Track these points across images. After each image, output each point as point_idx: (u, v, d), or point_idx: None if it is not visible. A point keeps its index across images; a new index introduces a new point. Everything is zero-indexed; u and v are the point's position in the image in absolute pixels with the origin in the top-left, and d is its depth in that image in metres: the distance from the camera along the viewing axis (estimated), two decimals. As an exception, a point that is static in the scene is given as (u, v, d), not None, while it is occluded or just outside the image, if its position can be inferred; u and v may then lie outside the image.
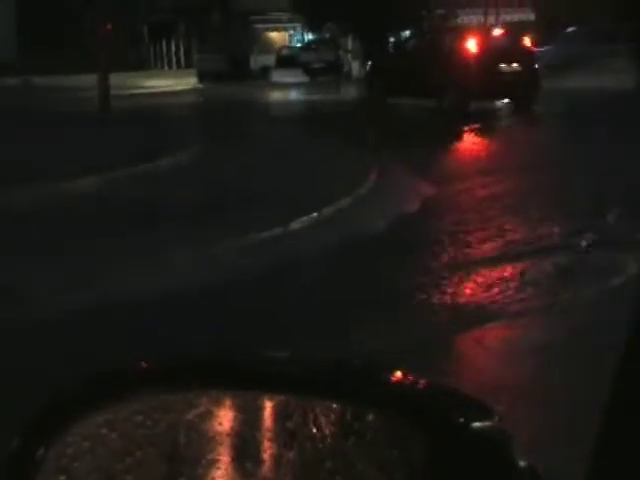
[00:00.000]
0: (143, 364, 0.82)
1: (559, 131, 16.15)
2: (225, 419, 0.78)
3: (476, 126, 16.64)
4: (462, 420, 0.73)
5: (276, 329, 5.15)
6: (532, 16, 36.30)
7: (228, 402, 0.78)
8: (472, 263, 6.86)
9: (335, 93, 29.16)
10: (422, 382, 0.76)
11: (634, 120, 14.21)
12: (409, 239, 7.87)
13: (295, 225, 8.00)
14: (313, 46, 42.22)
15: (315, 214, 8.33)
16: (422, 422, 0.73)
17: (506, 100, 19.87)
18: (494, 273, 6.48)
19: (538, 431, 3.48)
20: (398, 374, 0.77)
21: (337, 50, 41.43)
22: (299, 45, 44.68)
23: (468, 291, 6.15)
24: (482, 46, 19.44)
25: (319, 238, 7.71)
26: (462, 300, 5.94)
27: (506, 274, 6.45)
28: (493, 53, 19.30)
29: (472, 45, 19.51)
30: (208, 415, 0.78)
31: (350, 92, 28.03)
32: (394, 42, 22.40)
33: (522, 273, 6.42)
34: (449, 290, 6.13)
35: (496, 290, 6.03)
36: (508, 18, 27.06)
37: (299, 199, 8.88)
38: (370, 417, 0.73)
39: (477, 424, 0.73)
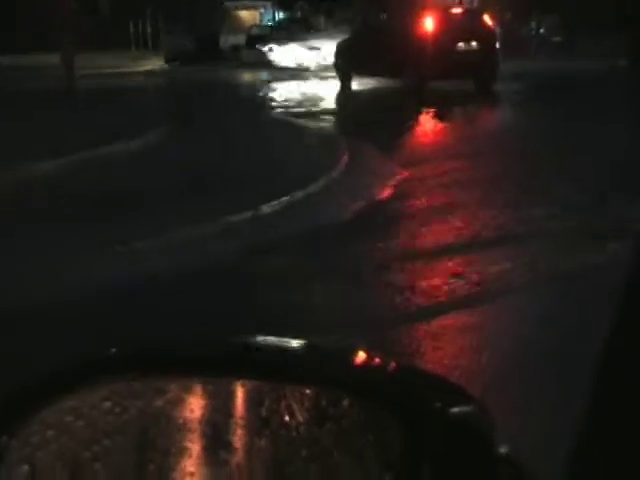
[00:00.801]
0: (112, 351, 0.81)
1: (520, 112, 16.33)
2: (196, 406, 0.77)
3: (434, 107, 16.68)
4: (439, 405, 0.72)
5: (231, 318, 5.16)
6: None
7: (199, 389, 0.78)
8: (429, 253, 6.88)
9: (307, 74, 29.08)
10: (397, 365, 0.75)
11: (598, 100, 14.42)
12: (374, 223, 7.90)
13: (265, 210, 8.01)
14: (284, 25, 42.10)
15: (283, 199, 8.33)
16: (398, 407, 0.72)
17: (466, 79, 19.86)
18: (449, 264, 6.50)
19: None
20: (372, 358, 0.77)
21: (309, 29, 41.32)
22: (270, 24, 44.50)
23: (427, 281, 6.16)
24: (439, 24, 19.30)
25: (286, 224, 7.71)
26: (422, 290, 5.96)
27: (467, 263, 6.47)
28: (451, 31, 19.17)
29: (429, 23, 19.36)
30: (178, 402, 0.77)
31: (321, 73, 27.98)
32: (359, 21, 22.42)
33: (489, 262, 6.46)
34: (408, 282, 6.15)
35: (456, 279, 6.06)
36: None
37: (262, 183, 8.93)
38: (345, 403, 0.73)
39: (455, 409, 0.72)
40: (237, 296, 5.76)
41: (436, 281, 6.06)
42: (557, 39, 36.69)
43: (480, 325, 5.26)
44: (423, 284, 6.02)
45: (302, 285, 5.99)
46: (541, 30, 38.33)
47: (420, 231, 7.50)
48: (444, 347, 4.82)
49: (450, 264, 6.45)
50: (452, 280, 6.02)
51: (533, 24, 38.72)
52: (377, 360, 0.76)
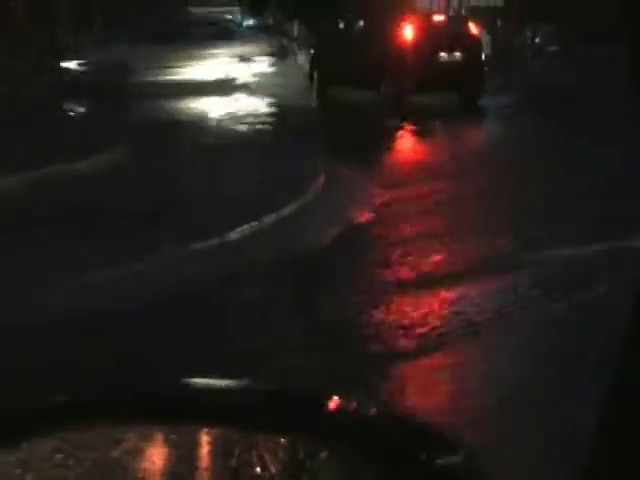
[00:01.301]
0: (62, 397, 0.81)
1: (508, 129, 16.46)
2: (157, 456, 0.77)
3: (414, 123, 16.77)
4: (424, 457, 0.72)
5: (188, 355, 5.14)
6: (500, 2, 36.75)
7: (160, 437, 0.77)
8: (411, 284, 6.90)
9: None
10: (378, 413, 0.75)
11: (596, 117, 14.56)
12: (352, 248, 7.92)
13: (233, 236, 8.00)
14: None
15: (252, 224, 8.33)
16: (382, 459, 0.72)
17: (450, 92, 19.89)
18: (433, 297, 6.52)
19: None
20: (351, 405, 0.76)
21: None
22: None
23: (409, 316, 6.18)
24: (419, 32, 19.23)
25: (256, 250, 7.71)
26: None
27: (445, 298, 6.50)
28: (432, 40, 19.08)
29: (408, 31, 19.27)
30: (137, 452, 0.77)
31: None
32: (338, 29, 22.36)
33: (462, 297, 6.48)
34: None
35: (435, 316, 6.08)
36: (474, 3, 27.22)
37: (230, 206, 8.93)
38: (324, 455, 0.72)
39: (442, 461, 0.72)
40: (195, 331, 5.74)
41: (418, 315, 6.08)
42: (554, 49, 36.99)
43: (464, 363, 5.27)
44: (404, 319, 6.02)
45: (271, 321, 5.98)
46: (537, 39, 38.65)
47: (402, 260, 7.52)
48: (427, 387, 4.83)
49: (433, 297, 6.47)
50: (435, 315, 6.04)
51: (528, 33, 39.04)
52: (356, 408, 0.76)
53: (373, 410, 0.78)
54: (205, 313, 6.19)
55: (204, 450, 0.76)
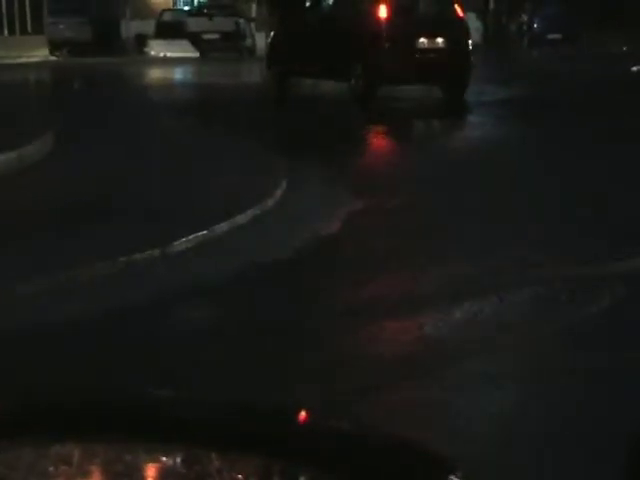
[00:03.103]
0: None
1: (495, 129, 16.54)
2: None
3: (387, 120, 16.75)
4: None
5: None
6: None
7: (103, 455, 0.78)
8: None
9: (232, 74, 29.22)
10: (367, 432, 0.78)
11: (602, 116, 14.73)
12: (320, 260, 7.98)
13: (175, 247, 8.03)
14: (206, 11, 42.25)
15: (203, 232, 8.37)
16: None
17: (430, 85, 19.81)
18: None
19: None
20: (331, 423, 0.78)
21: (237, 17, 41.50)
22: (187, 9, 44.67)
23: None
24: (395, 15, 18.87)
25: (208, 265, 7.74)
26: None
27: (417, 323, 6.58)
28: (410, 24, 18.84)
29: (382, 13, 18.84)
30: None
31: (252, 73, 28.14)
32: (302, 9, 21.81)
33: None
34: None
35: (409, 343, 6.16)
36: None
37: (180, 214, 8.95)
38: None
39: None
40: (132, 358, 5.77)
41: (387, 344, 6.14)
42: (554, 36, 37.12)
43: (436, 399, 5.34)
44: (371, 348, 6.08)
45: (222, 348, 6.02)
46: (535, 25, 38.71)
47: (374, 280, 7.58)
48: (398, 422, 4.89)
49: (406, 323, 6.54)
50: (408, 343, 6.11)
51: (524, 17, 39.08)
52: (337, 425, 0.78)
53: (356, 429, 0.80)
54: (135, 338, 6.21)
55: (163, 468, 0.77)
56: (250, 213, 9.22)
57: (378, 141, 15.78)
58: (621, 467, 1.20)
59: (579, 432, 4.66)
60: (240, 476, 0.76)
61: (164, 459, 0.77)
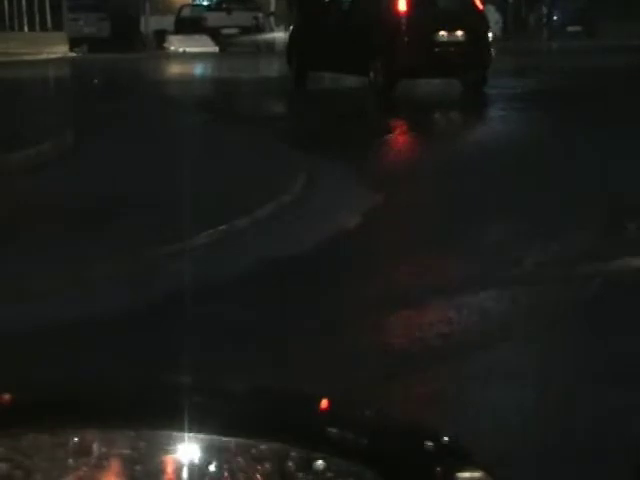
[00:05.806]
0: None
1: (514, 122, 16.49)
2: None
3: (408, 113, 16.71)
4: (441, 470, 0.75)
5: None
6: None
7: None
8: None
9: (251, 68, 29.24)
10: (387, 420, 0.77)
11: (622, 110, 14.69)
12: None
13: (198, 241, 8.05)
14: (225, 6, 42.27)
15: (223, 227, 8.38)
16: (395, 474, 0.73)
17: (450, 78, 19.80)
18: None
19: None
20: (348, 407, 0.78)
21: (256, 12, 41.56)
22: (206, 4, 44.67)
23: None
24: (415, 8, 18.94)
25: (226, 261, 7.74)
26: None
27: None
28: (430, 17, 18.92)
29: (402, 6, 18.93)
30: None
31: (272, 67, 28.12)
32: (322, 3, 21.81)
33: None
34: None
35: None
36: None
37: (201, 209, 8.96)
38: (319, 465, 0.74)
39: (461, 475, 0.75)
40: (150, 358, 5.77)
41: (409, 336, 6.14)
42: (575, 28, 36.98)
43: (450, 389, 5.34)
44: (395, 341, 6.09)
45: (241, 346, 6.02)
46: (555, 17, 38.62)
47: (397, 273, 7.58)
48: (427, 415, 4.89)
49: (428, 315, 6.54)
50: (432, 335, 6.11)
51: (544, 9, 39.01)
52: (356, 412, 0.77)
53: (374, 415, 0.79)
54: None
55: (182, 456, 0.77)
56: (271, 206, 9.25)
57: (398, 135, 15.75)
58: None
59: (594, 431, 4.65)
60: (256, 462, 0.76)
61: (180, 446, 0.77)
